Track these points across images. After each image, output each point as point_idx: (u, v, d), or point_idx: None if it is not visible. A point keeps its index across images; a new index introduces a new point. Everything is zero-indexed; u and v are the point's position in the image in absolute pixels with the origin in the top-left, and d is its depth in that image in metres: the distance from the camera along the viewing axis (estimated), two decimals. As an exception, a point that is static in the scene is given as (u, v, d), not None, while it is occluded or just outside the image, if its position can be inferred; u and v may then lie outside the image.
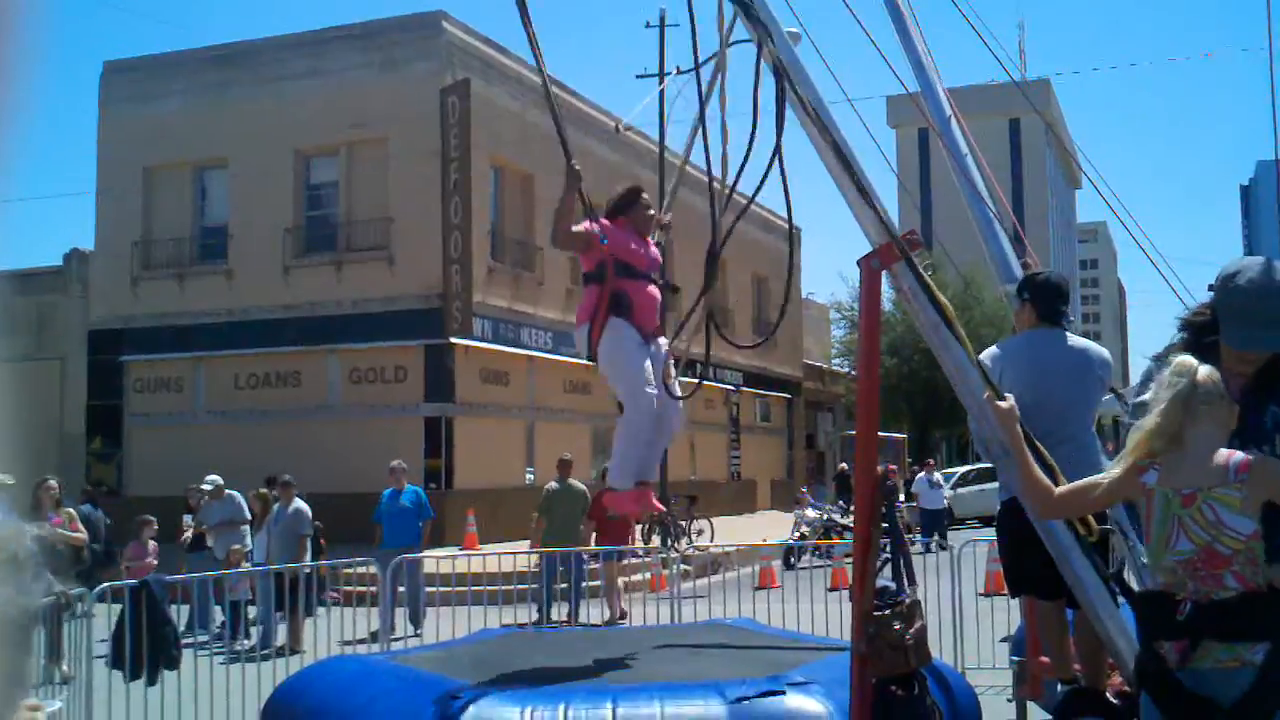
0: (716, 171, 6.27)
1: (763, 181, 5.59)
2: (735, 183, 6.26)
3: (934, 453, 56.04)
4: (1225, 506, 3.74)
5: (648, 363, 6.19)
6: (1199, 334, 4.39)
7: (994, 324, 41.62)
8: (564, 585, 14.91)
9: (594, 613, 15.34)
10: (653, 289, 6.32)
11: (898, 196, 71.81)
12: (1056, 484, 4.35)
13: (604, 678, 6.07)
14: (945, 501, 27.47)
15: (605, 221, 6.29)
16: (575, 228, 6.17)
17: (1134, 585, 5.10)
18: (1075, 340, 5.77)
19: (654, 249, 6.49)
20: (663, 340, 6.45)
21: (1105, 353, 5.88)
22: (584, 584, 15.72)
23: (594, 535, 16.17)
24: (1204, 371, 3.90)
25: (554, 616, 14.50)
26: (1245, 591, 3.70)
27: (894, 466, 31.07)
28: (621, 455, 6.22)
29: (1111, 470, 4.08)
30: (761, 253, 40.80)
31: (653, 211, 6.55)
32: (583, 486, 16.12)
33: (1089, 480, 4.20)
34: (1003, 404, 4.59)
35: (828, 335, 56.02)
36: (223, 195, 28.91)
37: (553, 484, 16.19)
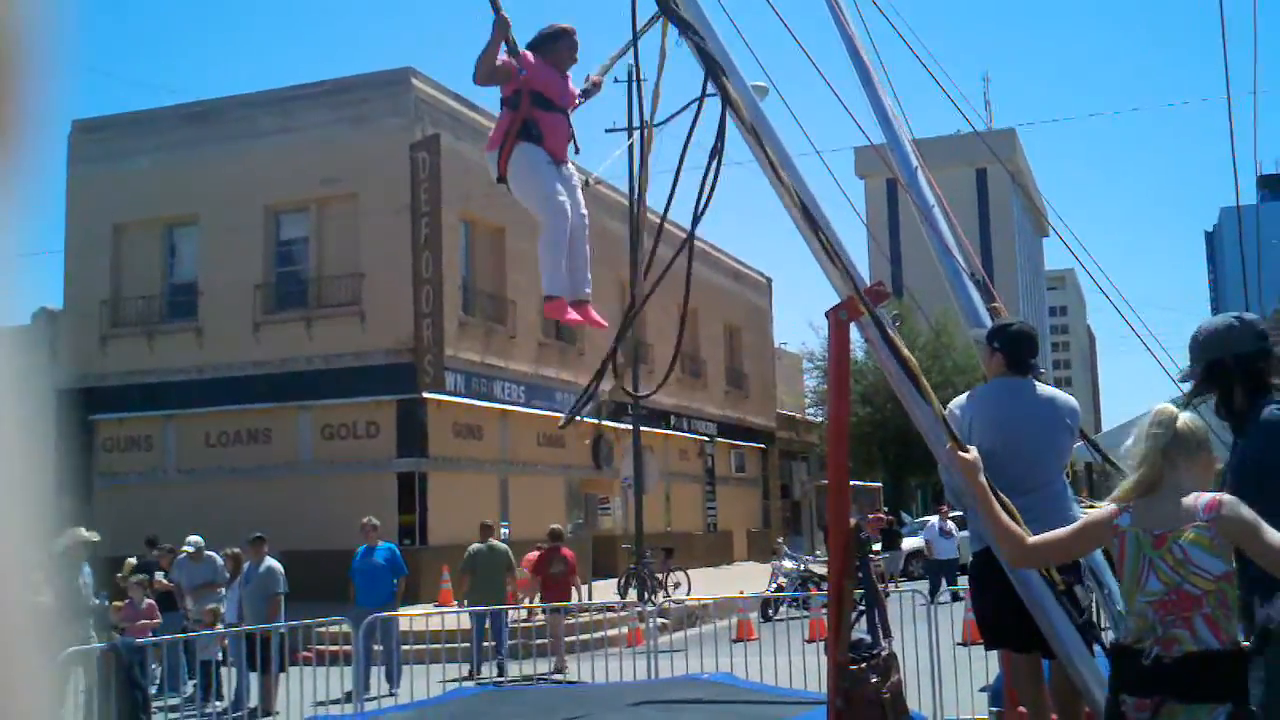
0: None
1: (702, 189, 5.60)
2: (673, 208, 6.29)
3: (908, 501, 56.08)
4: (1194, 545, 3.72)
5: (555, 177, 6.40)
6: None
7: (965, 372, 41.74)
8: (545, 639, 14.83)
9: (543, 667, 15.21)
10: (564, 121, 6.53)
11: (867, 245, 72.27)
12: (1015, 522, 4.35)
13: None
14: (958, 550, 25.88)
15: (527, 54, 6.45)
16: (497, 62, 6.35)
17: (1106, 632, 5.10)
18: (1043, 389, 5.81)
19: (571, 86, 6.67)
20: (573, 168, 6.60)
21: (1073, 401, 5.93)
22: (535, 640, 15.71)
23: (538, 593, 17.08)
24: (1184, 420, 3.91)
25: (484, 673, 14.69)
26: (1209, 650, 3.68)
27: (880, 514, 30.95)
28: (550, 264, 6.43)
29: (1088, 517, 4.09)
30: (733, 303, 40.95)
31: (575, 51, 6.71)
32: (504, 547, 16.87)
33: (1062, 530, 4.20)
34: (965, 455, 4.59)
35: (801, 385, 56.10)
36: (192, 252, 28.84)
37: (476, 545, 16.75)
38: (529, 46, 6.54)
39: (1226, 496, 3.84)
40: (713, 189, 5.70)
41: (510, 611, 17.15)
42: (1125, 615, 3.98)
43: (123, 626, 13.98)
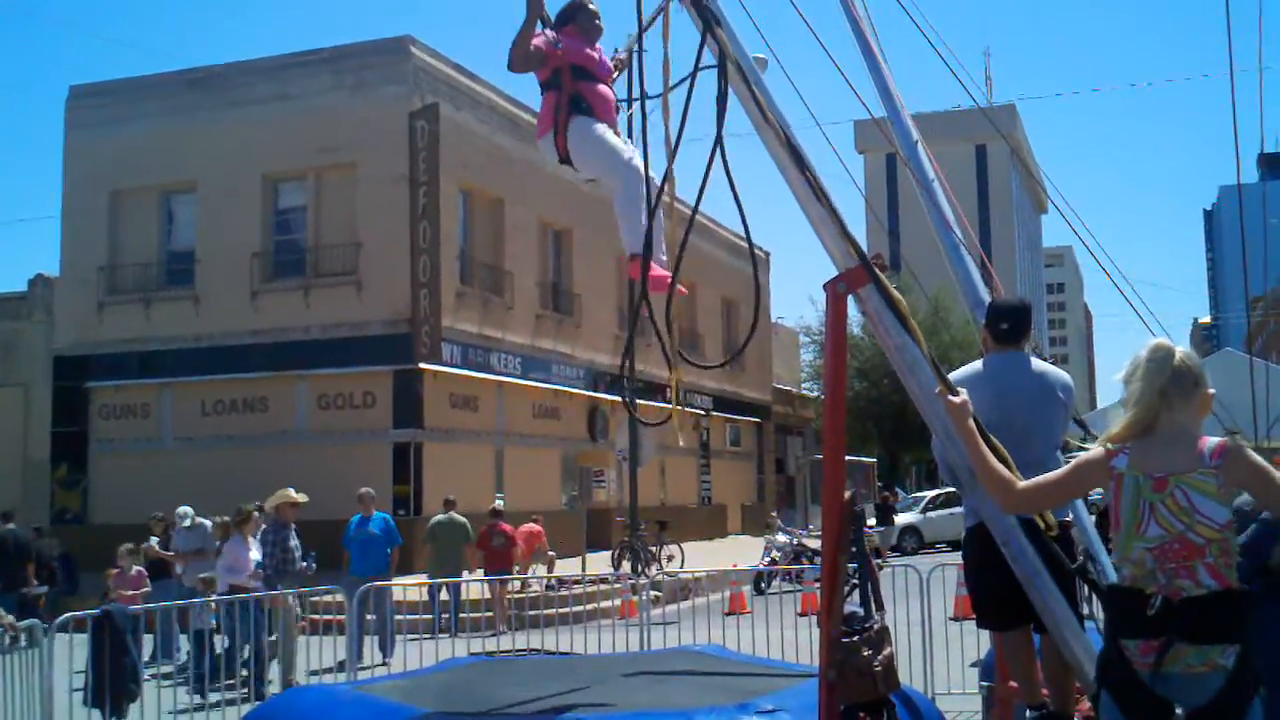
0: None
1: (707, 175, 5.56)
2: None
3: (903, 477, 56.18)
4: (1200, 492, 3.63)
5: (615, 136, 6.28)
6: None
7: (962, 347, 41.76)
8: (531, 612, 14.85)
9: (547, 640, 15.26)
10: (606, 90, 6.41)
11: (866, 220, 72.19)
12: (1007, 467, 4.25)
13: (571, 706, 6.01)
14: None
15: (557, 33, 6.35)
16: (531, 46, 6.22)
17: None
18: (1036, 364, 5.79)
19: (604, 57, 6.55)
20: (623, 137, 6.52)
21: (1066, 377, 5.90)
22: (527, 612, 15.77)
23: (481, 568, 18.49)
24: (1180, 355, 3.80)
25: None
26: (1218, 590, 3.60)
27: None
28: (632, 223, 6.23)
29: (1081, 458, 3.98)
30: (730, 277, 40.89)
31: (599, 21, 6.59)
32: (463, 520, 18.08)
33: (1054, 472, 4.10)
34: (954, 398, 4.49)
35: (797, 359, 56.13)
36: (190, 220, 28.76)
37: (439, 516, 18.23)
38: (552, 28, 6.43)
39: (1232, 440, 3.74)
40: (724, 161, 5.57)
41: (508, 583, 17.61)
42: (1118, 561, 3.83)
43: (114, 596, 14.03)
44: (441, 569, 17.25)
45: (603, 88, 6.39)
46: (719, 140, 5.43)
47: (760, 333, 48.50)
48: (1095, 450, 3.90)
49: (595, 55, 6.45)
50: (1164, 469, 3.70)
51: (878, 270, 4.87)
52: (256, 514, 13.75)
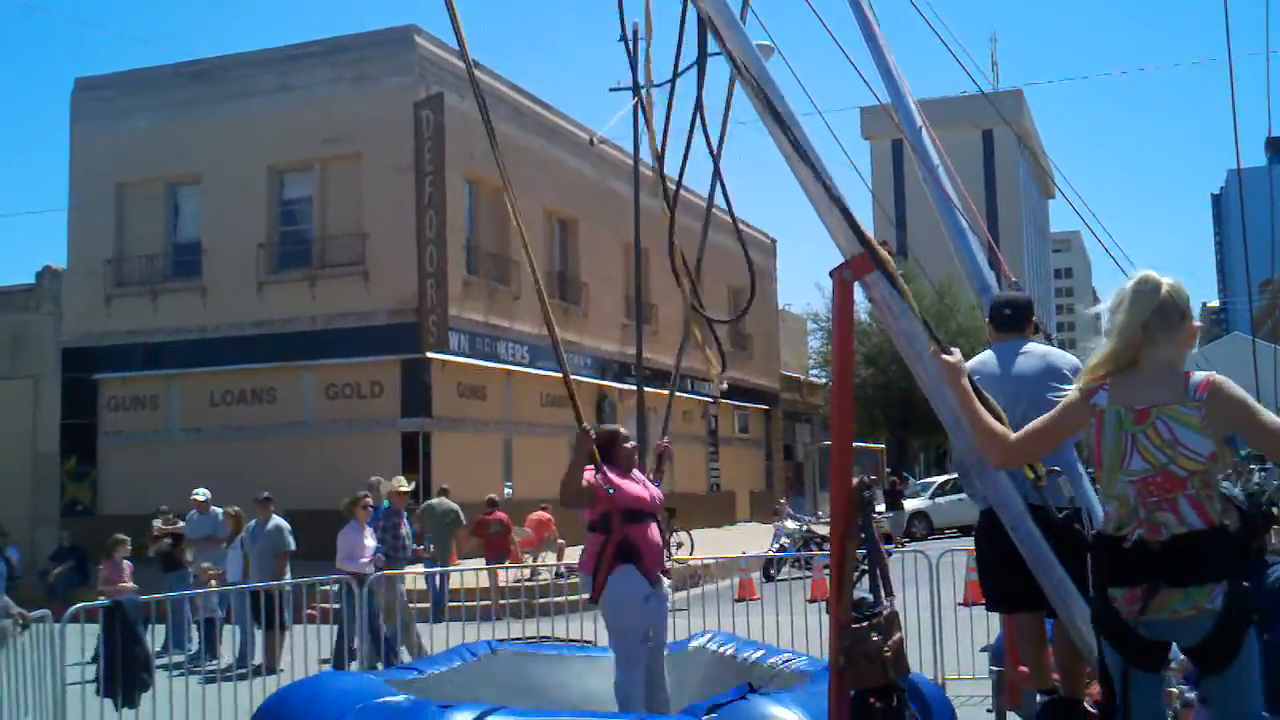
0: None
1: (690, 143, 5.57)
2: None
3: (911, 463, 56.17)
4: (1182, 425, 3.59)
5: (647, 615, 6.25)
6: None
7: (968, 334, 41.73)
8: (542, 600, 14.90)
9: (558, 628, 15.28)
10: (654, 531, 6.36)
11: (872, 207, 72.02)
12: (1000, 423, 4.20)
13: (583, 694, 6.04)
14: None
15: (608, 474, 6.30)
16: (584, 484, 6.21)
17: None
18: (1040, 348, 5.82)
19: (652, 486, 6.52)
20: (667, 583, 6.45)
21: (1073, 359, 5.91)
22: (536, 600, 15.94)
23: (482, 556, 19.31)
24: (1166, 287, 3.74)
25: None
26: (1199, 529, 3.55)
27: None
28: (626, 699, 6.21)
29: (1063, 400, 3.93)
30: (738, 266, 40.75)
31: (631, 444, 6.59)
32: (453, 505, 18.89)
33: (1041, 419, 4.03)
34: (948, 357, 4.47)
35: (805, 346, 56.08)
36: (196, 212, 28.79)
37: (430, 500, 19.52)
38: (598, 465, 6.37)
39: (1218, 376, 3.69)
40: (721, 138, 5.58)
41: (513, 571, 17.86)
42: (1104, 501, 3.80)
43: (103, 589, 14.05)
44: (427, 551, 17.82)
45: (652, 529, 6.34)
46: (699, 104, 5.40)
47: (768, 319, 48.48)
48: (1074, 391, 3.84)
49: (647, 496, 6.40)
50: (1145, 401, 3.65)
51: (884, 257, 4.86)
52: (370, 501, 13.94)
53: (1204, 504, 3.59)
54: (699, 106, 6.13)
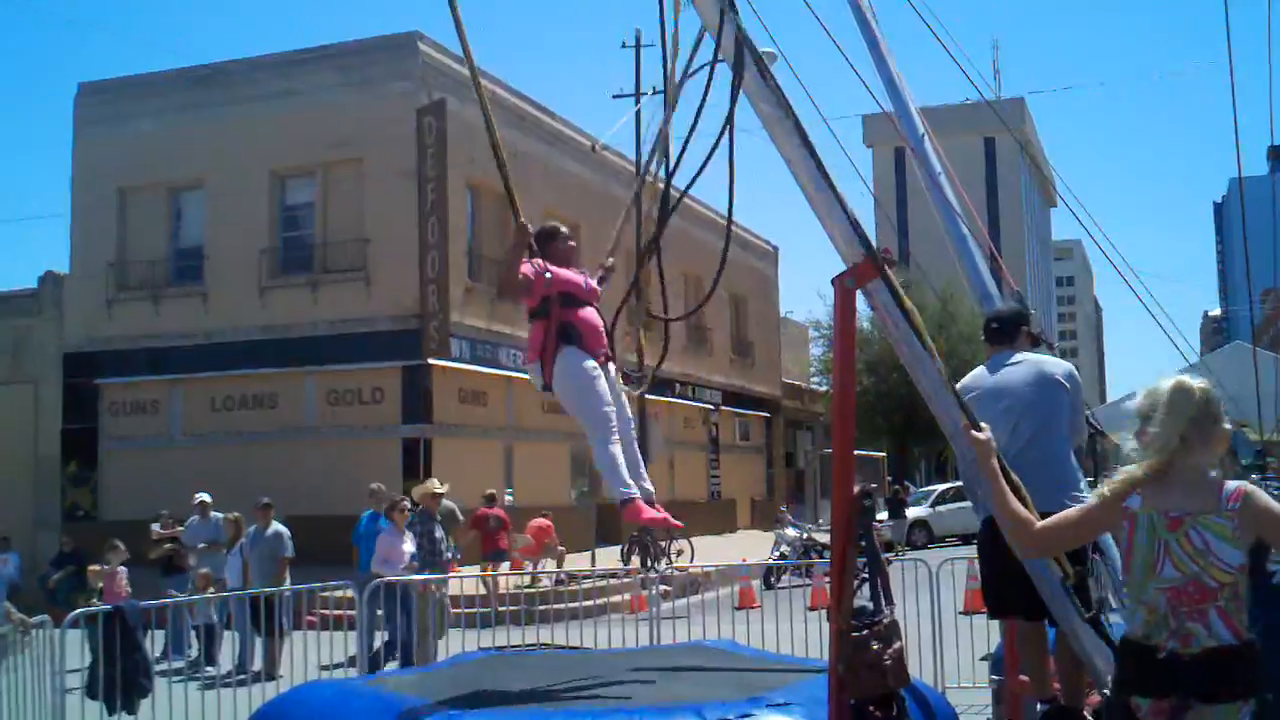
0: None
1: (711, 153, 5.54)
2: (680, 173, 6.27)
3: (912, 471, 56.10)
4: (1215, 535, 3.57)
5: (602, 381, 6.30)
6: None
7: (970, 341, 41.68)
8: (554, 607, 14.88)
9: (557, 635, 15.28)
10: (595, 314, 6.43)
11: (874, 215, 72.02)
12: (1026, 508, 4.17)
13: (582, 700, 6.02)
14: None
15: (545, 263, 6.37)
16: (520, 274, 6.27)
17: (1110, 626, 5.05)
18: (1028, 357, 5.89)
19: (590, 279, 6.59)
20: (612, 366, 6.50)
21: (1066, 365, 5.94)
22: (537, 607, 15.85)
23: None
24: (1199, 395, 3.73)
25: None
26: (1231, 645, 3.54)
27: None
28: (612, 470, 6.32)
29: (1093, 498, 3.91)
30: (739, 272, 40.84)
31: (571, 242, 6.68)
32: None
33: (1070, 512, 4.03)
34: (979, 435, 4.45)
35: (806, 354, 56.07)
36: (198, 216, 28.80)
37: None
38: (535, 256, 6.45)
39: (1250, 485, 3.67)
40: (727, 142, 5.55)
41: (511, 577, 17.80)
42: (1133, 606, 3.76)
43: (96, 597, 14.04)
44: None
45: (591, 312, 6.41)
46: (730, 120, 5.39)
47: (769, 327, 48.49)
48: (1106, 491, 3.80)
49: (581, 281, 6.47)
50: (1179, 509, 3.64)
51: (879, 252, 4.87)
52: (408, 505, 13.90)
53: (1232, 617, 3.58)
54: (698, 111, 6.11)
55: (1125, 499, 3.73)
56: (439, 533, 14.05)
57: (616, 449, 6.29)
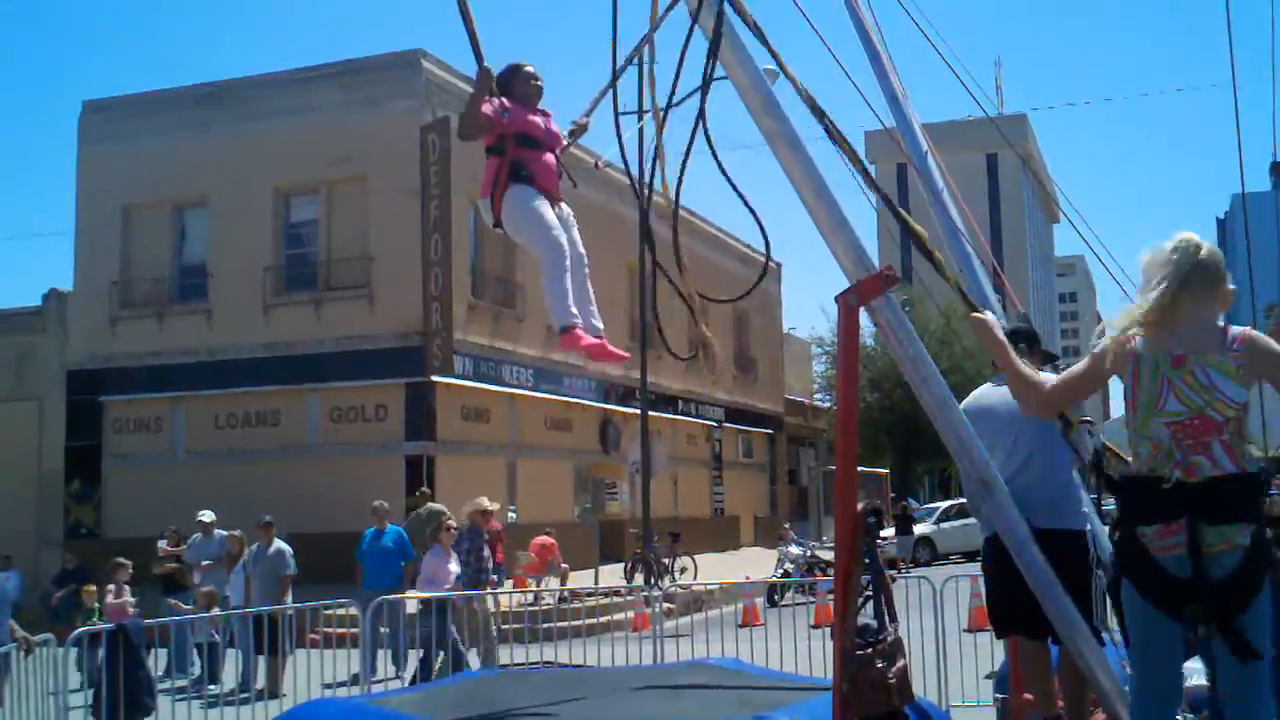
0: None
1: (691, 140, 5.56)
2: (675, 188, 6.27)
3: (915, 488, 56.03)
4: (1220, 372, 3.69)
5: (550, 213, 6.30)
6: None
7: (974, 357, 41.69)
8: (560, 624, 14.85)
9: (560, 653, 15.25)
10: (550, 158, 6.44)
11: (876, 230, 72.04)
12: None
13: (586, 719, 6.00)
14: None
15: (504, 100, 6.37)
16: (479, 114, 6.28)
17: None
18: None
19: (554, 126, 6.59)
20: (565, 206, 6.52)
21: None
22: (540, 625, 15.75)
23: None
24: (1205, 250, 3.84)
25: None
26: (1234, 472, 3.66)
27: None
28: (557, 296, 6.29)
29: (1100, 346, 4.01)
30: (741, 288, 40.68)
31: (537, 81, 6.62)
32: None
33: (1077, 365, 4.14)
34: (980, 315, 4.62)
35: (809, 370, 56.04)
36: (202, 234, 28.84)
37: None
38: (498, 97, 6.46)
39: (1254, 330, 3.81)
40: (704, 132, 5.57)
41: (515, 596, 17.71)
42: (1137, 443, 3.87)
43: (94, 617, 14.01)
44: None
45: (547, 156, 6.43)
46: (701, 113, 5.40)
47: (773, 343, 48.47)
48: (1109, 339, 3.92)
49: (540, 122, 6.48)
50: (1182, 348, 3.74)
51: (886, 284, 4.87)
52: (453, 525, 13.88)
53: (1236, 449, 3.70)
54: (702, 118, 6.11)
55: (1130, 342, 3.82)
56: (486, 550, 14.00)
57: (567, 279, 6.26)
